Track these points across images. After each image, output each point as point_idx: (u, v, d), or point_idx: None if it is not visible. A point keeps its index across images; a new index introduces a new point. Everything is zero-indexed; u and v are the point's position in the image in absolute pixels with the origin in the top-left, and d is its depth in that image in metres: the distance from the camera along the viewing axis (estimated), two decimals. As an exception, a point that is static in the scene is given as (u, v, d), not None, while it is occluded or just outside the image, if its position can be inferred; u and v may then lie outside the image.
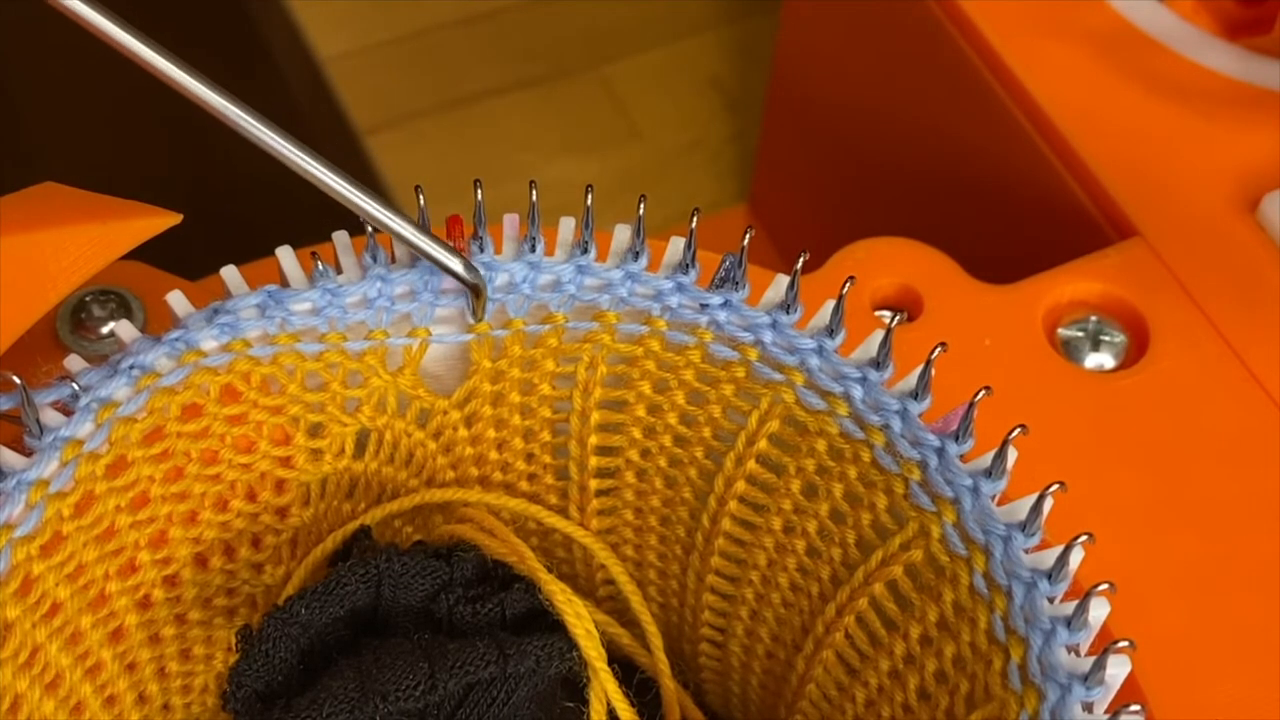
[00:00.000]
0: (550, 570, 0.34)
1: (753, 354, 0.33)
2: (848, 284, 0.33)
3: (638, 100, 0.90)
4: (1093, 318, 0.44)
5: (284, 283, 0.33)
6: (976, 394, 0.31)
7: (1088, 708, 0.29)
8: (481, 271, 0.33)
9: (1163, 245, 0.46)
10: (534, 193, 0.33)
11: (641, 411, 0.35)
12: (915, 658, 0.33)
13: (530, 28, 0.92)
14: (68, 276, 0.32)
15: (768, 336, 0.33)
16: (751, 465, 0.34)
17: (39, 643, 0.31)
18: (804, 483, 0.34)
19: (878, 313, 0.44)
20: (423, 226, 0.32)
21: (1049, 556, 0.30)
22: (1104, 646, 0.28)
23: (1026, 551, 0.30)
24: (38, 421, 0.31)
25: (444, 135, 0.88)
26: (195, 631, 0.35)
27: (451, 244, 0.33)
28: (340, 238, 0.34)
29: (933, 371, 0.32)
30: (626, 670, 0.36)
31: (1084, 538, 0.30)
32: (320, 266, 0.33)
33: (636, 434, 0.36)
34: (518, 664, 0.32)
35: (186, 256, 0.39)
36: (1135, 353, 0.44)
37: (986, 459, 0.31)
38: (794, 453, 0.34)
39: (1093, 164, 0.49)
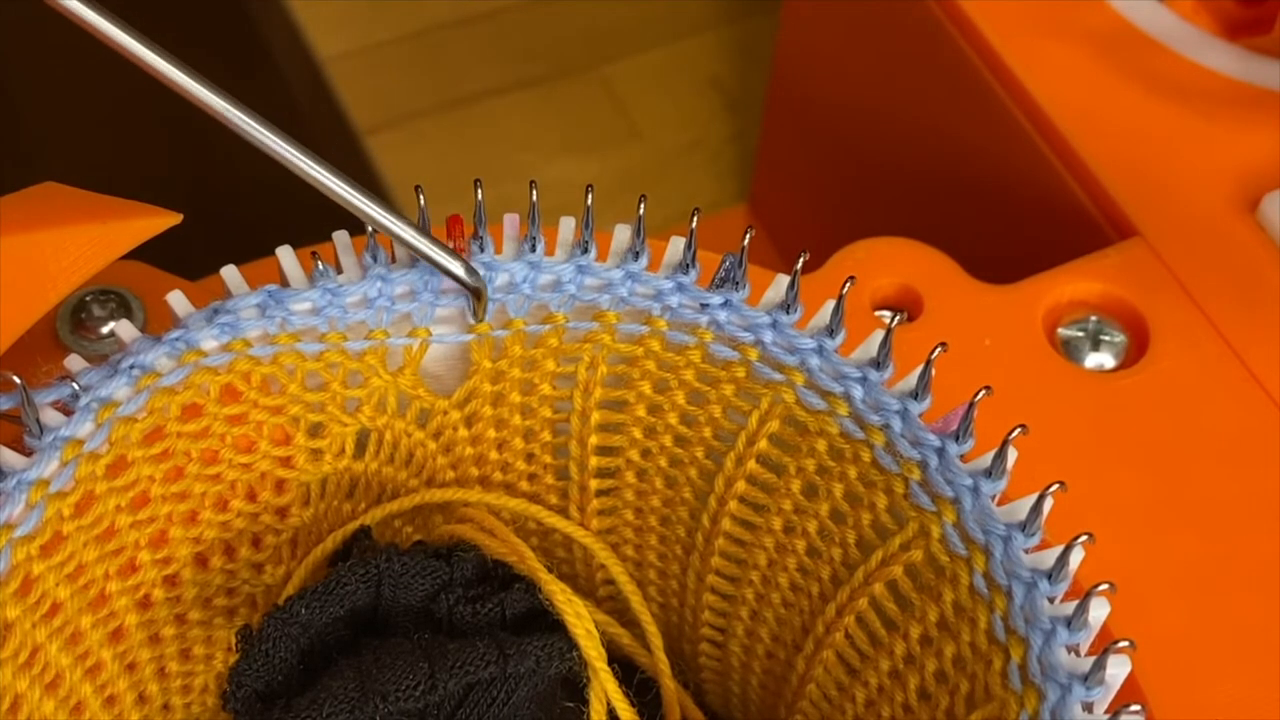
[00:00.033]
0: (550, 570, 0.34)
1: (753, 354, 0.33)
2: (848, 284, 0.33)
3: (638, 100, 0.90)
4: (1093, 318, 0.44)
5: (284, 282, 0.33)
6: (976, 394, 0.31)
7: (1088, 708, 0.29)
8: (481, 272, 0.33)
9: (1163, 245, 0.46)
10: (534, 193, 0.33)
11: (642, 411, 0.35)
12: (915, 658, 0.33)
13: (530, 28, 0.92)
14: (68, 276, 0.32)
15: (768, 336, 0.33)
16: (752, 465, 0.34)
17: (39, 643, 0.31)
18: (804, 483, 0.34)
19: (878, 313, 0.44)
20: (423, 228, 0.32)
21: (1049, 556, 0.30)
22: (1104, 646, 0.28)
23: (1026, 551, 0.30)
24: (38, 421, 0.31)
25: (444, 135, 0.88)
26: (195, 631, 0.35)
27: (452, 244, 0.33)
28: (340, 237, 0.34)
29: (933, 371, 0.32)
30: (626, 670, 0.36)
31: (1084, 538, 0.30)
32: (320, 266, 0.33)
33: (637, 434, 0.36)
34: (518, 664, 0.32)
35: (186, 256, 0.39)
36: (1135, 353, 0.44)
37: (986, 459, 0.31)
38: (794, 453, 0.34)
39: (1093, 164, 0.49)
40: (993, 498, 0.31)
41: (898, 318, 0.43)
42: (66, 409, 0.31)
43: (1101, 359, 0.44)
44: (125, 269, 0.39)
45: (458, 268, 0.32)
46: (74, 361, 0.32)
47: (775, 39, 0.70)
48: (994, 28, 0.52)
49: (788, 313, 0.33)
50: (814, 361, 0.33)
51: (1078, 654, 0.29)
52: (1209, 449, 0.41)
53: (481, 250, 0.34)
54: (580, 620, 0.33)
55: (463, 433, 0.36)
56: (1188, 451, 0.41)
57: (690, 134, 0.89)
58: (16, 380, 0.30)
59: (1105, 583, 0.29)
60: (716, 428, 0.35)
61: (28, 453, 0.31)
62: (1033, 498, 0.30)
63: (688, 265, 0.34)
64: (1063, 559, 0.30)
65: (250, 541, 0.35)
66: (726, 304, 0.33)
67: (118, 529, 0.32)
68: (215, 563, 0.35)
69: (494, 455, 0.37)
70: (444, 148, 0.87)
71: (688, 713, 0.39)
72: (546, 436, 0.37)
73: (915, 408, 0.32)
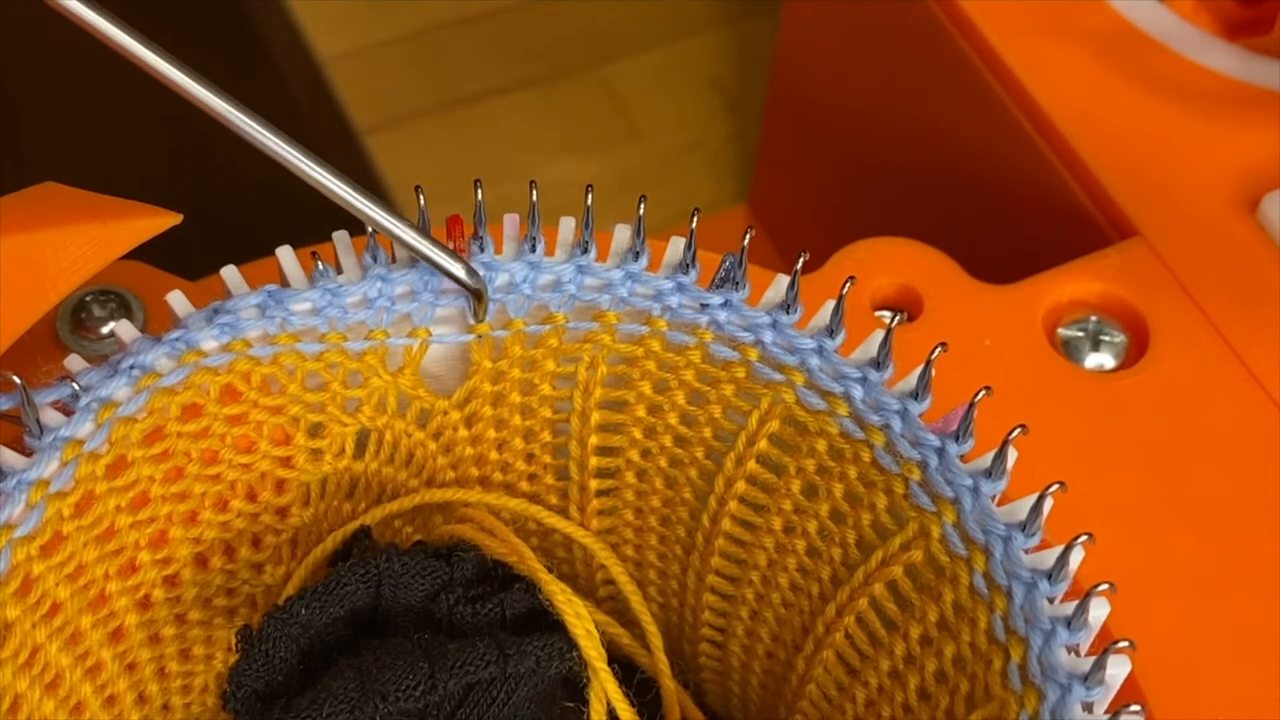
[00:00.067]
0: (550, 570, 0.34)
1: (753, 354, 0.33)
2: (848, 284, 0.33)
3: (638, 100, 0.90)
4: (1093, 318, 0.44)
5: (284, 283, 0.33)
6: (976, 394, 0.31)
7: (1088, 708, 0.29)
8: (482, 272, 0.33)
9: (1163, 245, 0.46)
10: (534, 193, 0.33)
11: (642, 411, 0.35)
12: (915, 658, 0.33)
13: (530, 28, 0.92)
14: (68, 276, 0.32)
15: (768, 336, 0.33)
16: (752, 465, 0.34)
17: (39, 643, 0.31)
18: (804, 483, 0.34)
19: (878, 313, 0.44)
20: (423, 228, 0.32)
21: (1049, 556, 0.30)
22: (1104, 646, 0.28)
23: (1026, 551, 0.30)
24: (38, 421, 0.31)
25: (444, 135, 0.88)
26: (195, 631, 0.35)
27: (452, 245, 0.33)
28: (340, 237, 0.34)
29: (933, 371, 0.32)
30: (626, 670, 0.36)
31: (1084, 538, 0.30)
32: (320, 266, 0.33)
33: (637, 434, 0.36)
34: (518, 664, 0.32)
35: (186, 256, 0.39)
36: (1135, 353, 0.44)
37: (986, 459, 0.31)
38: (794, 453, 0.34)
39: (1093, 164, 0.49)
40: (993, 498, 0.31)
41: (898, 318, 0.43)
42: (66, 409, 0.31)
43: (1101, 359, 0.44)
44: (125, 269, 0.39)
45: (458, 268, 0.32)
46: (74, 361, 0.32)
47: (775, 39, 0.70)
48: (994, 28, 0.52)
49: (788, 313, 0.33)
50: (814, 361, 0.33)
51: (1078, 654, 0.29)
52: (1209, 449, 0.41)
53: (481, 250, 0.34)
54: (580, 620, 0.33)
55: (463, 433, 0.36)
56: (1188, 451, 0.41)
57: (690, 134, 0.89)
58: (16, 380, 0.30)
59: (1105, 583, 0.29)
60: (716, 428, 0.35)
61: (28, 453, 0.31)
62: (1033, 498, 0.30)
63: (688, 265, 0.34)
64: (1063, 559, 0.30)
65: (250, 541, 0.35)
66: (726, 304, 0.33)
67: (118, 529, 0.32)
68: (215, 563, 0.35)
69: (494, 455, 0.37)
70: (444, 148, 0.87)
71: (688, 713, 0.39)
72: (546, 437, 0.37)
73: (915, 408, 0.32)
